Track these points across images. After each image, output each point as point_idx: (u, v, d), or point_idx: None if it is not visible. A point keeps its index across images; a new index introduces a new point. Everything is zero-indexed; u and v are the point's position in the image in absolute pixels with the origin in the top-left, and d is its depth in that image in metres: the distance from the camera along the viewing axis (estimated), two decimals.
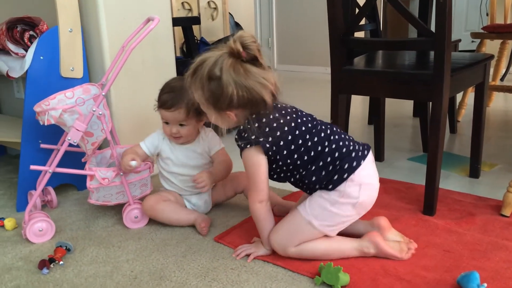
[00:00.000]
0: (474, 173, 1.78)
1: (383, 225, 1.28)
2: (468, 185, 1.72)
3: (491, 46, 2.78)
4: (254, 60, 1.12)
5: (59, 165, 1.43)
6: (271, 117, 1.17)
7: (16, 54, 1.65)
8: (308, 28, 4.71)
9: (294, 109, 1.23)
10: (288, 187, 1.45)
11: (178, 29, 2.65)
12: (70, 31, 1.64)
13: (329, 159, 1.18)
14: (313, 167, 1.18)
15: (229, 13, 3.07)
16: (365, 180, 1.19)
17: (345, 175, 1.17)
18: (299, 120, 1.20)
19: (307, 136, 1.18)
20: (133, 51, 1.42)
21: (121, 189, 1.48)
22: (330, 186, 1.18)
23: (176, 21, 2.23)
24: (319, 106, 2.11)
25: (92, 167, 1.47)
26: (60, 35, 1.63)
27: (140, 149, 1.49)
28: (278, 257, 1.24)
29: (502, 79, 3.65)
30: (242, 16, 3.22)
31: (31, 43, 1.63)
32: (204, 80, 1.14)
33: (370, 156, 1.23)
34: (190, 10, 2.86)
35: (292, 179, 1.24)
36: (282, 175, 1.23)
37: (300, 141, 1.18)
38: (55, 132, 1.56)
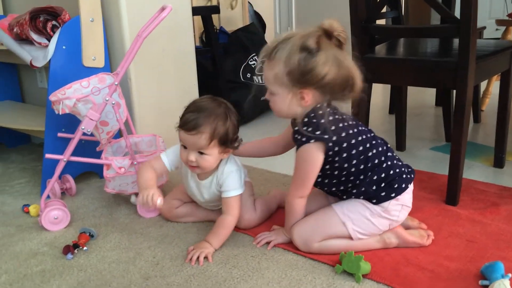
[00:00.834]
0: (499, 163, 1.75)
1: None
2: (492, 175, 1.69)
3: None
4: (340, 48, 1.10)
5: (81, 154, 1.43)
6: (337, 117, 1.13)
7: (39, 43, 1.67)
8: (328, 17, 4.64)
9: (351, 116, 1.19)
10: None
11: (197, 19, 2.65)
12: (91, 20, 1.66)
13: (383, 175, 1.17)
14: (367, 179, 1.16)
15: (249, 2, 3.06)
16: (407, 202, 1.21)
17: (393, 194, 1.17)
18: (360, 128, 1.18)
19: (367, 145, 1.16)
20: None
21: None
22: (374, 201, 1.18)
23: (195, 10, 2.23)
24: None
25: (108, 157, 1.48)
26: (81, 25, 1.64)
27: (160, 163, 1.31)
28: None
29: None
30: (261, 5, 3.20)
31: (54, 32, 1.65)
32: (293, 50, 1.06)
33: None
34: None
35: (334, 188, 1.21)
36: (326, 180, 1.19)
37: (361, 148, 1.15)
38: (77, 121, 1.58)
